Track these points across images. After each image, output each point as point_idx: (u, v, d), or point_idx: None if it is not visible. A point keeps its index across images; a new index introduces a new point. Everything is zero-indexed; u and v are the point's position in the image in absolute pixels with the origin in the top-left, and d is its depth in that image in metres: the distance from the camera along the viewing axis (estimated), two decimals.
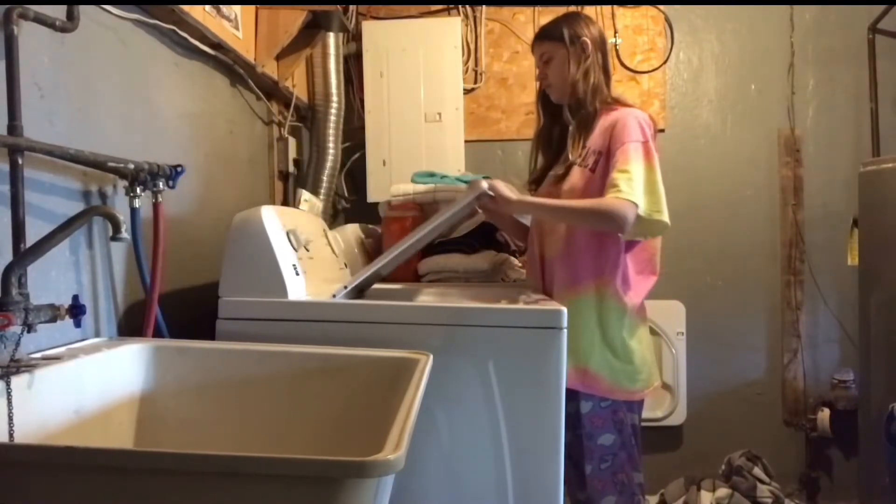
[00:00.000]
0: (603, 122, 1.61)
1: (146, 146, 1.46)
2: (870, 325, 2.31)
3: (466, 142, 2.65)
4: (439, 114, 2.61)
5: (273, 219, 1.41)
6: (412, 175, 2.15)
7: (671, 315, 2.64)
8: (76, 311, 1.02)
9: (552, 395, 1.29)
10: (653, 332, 2.42)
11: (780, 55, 2.71)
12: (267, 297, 1.34)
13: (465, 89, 2.68)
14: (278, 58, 2.23)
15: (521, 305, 1.39)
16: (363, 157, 2.66)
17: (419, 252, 1.99)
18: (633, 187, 1.47)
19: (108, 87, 1.34)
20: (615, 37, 2.70)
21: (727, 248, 2.73)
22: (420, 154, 2.61)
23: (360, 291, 1.60)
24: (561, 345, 1.28)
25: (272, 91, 2.33)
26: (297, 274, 1.40)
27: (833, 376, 2.65)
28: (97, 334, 1.26)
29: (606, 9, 2.70)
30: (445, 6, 2.72)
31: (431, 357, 1.11)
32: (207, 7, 1.68)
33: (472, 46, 2.74)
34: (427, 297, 1.84)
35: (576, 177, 1.60)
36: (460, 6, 2.71)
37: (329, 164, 2.51)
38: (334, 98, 2.52)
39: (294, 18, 2.09)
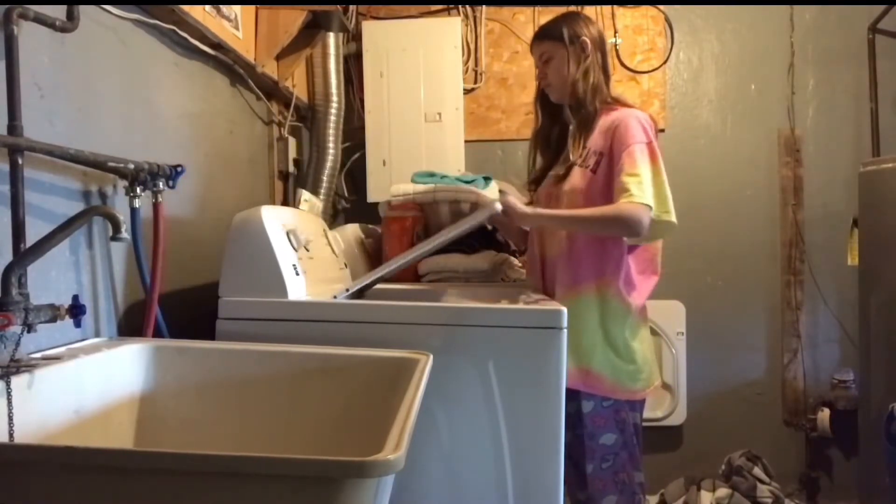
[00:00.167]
0: (603, 123, 1.61)
1: (146, 146, 1.46)
2: (870, 325, 2.31)
3: (466, 142, 2.65)
4: (439, 114, 2.61)
5: (273, 219, 1.41)
6: (412, 175, 2.15)
7: (671, 315, 2.65)
8: (76, 311, 1.02)
9: (552, 395, 1.29)
10: (653, 332, 2.42)
11: (780, 55, 2.71)
12: (267, 297, 1.34)
13: (465, 89, 2.68)
14: (278, 58, 2.23)
15: (521, 305, 1.39)
16: (363, 157, 2.66)
17: None
18: (644, 190, 1.47)
19: (108, 87, 1.34)
20: (615, 37, 2.70)
21: (727, 248, 2.73)
22: (420, 154, 2.61)
23: (359, 292, 1.60)
24: (561, 345, 1.28)
25: (272, 91, 2.33)
26: (297, 274, 1.40)
27: (833, 376, 2.65)
28: (97, 334, 1.26)
29: (606, 9, 2.70)
30: (445, 6, 2.72)
31: (431, 357, 1.11)
32: (207, 7, 1.68)
33: (472, 46, 2.74)
34: (426, 298, 1.83)
35: (576, 178, 1.60)
36: (460, 6, 2.71)
37: (329, 164, 2.52)
38: (334, 98, 2.52)
39: (294, 18, 2.09)
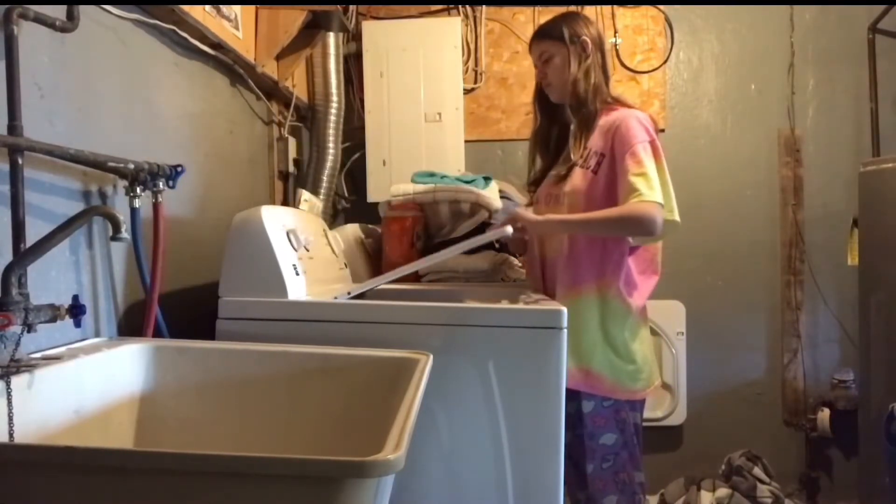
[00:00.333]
0: (603, 123, 1.61)
1: (146, 146, 1.46)
2: (870, 325, 2.31)
3: (466, 142, 2.65)
4: (439, 114, 2.61)
5: (273, 219, 1.41)
6: (412, 175, 2.15)
7: (671, 315, 2.64)
8: (76, 311, 1.02)
9: (552, 395, 1.29)
10: (653, 332, 2.42)
11: (780, 55, 2.71)
12: (267, 297, 1.34)
13: (465, 89, 2.68)
14: (278, 58, 2.23)
15: (521, 305, 1.38)
16: (363, 157, 2.66)
17: (419, 252, 1.99)
18: (653, 188, 1.47)
19: (108, 87, 1.34)
20: (615, 37, 2.70)
21: (727, 248, 2.73)
22: (420, 154, 2.60)
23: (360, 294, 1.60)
24: (561, 345, 1.28)
25: (272, 91, 2.33)
26: (297, 274, 1.40)
27: (833, 376, 2.64)
28: (97, 334, 1.26)
29: (606, 9, 2.70)
30: (445, 6, 2.72)
31: (431, 357, 1.11)
32: (207, 7, 1.68)
33: (472, 46, 2.74)
34: (426, 298, 1.83)
35: (577, 178, 1.60)
36: (460, 6, 2.71)
37: (329, 164, 2.52)
38: (334, 98, 2.52)
39: (294, 18, 2.09)
